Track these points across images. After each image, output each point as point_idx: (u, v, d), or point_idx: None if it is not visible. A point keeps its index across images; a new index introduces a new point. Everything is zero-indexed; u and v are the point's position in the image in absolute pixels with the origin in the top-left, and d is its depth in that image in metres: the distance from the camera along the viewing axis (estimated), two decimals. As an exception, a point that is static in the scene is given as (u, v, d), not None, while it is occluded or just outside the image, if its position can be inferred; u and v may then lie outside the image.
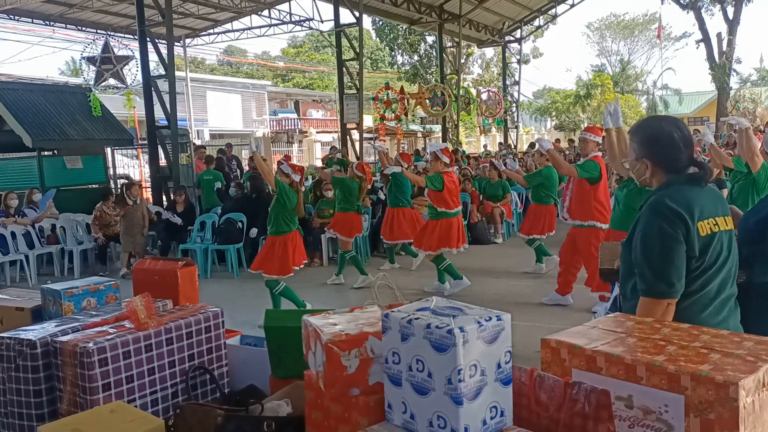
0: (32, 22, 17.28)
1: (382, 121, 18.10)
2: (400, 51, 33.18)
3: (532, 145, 21.36)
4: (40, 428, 1.41)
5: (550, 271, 7.92)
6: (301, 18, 18.98)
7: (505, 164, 9.17)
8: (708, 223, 2.03)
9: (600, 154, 6.19)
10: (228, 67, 41.42)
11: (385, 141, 22.45)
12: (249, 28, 20.30)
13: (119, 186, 9.81)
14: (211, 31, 20.56)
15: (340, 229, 8.11)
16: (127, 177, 11.25)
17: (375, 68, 39.43)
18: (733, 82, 27.89)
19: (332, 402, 1.30)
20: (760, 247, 2.28)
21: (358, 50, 16.11)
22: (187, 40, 20.88)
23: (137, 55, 12.83)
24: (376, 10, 19.45)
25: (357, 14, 15.82)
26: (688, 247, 2.00)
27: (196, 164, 12.16)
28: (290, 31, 22.68)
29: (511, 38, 24.55)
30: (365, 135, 18.50)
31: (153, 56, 12.59)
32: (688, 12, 25.40)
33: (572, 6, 22.73)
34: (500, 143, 24.21)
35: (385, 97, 17.67)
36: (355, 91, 16.22)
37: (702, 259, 2.02)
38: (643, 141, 2.17)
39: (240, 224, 9.34)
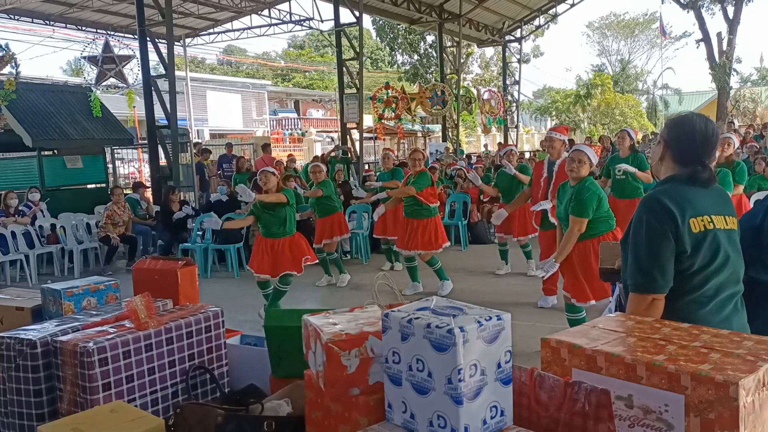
0: (32, 22, 17.29)
1: (381, 121, 18.09)
2: (400, 51, 33.19)
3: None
4: (40, 428, 1.41)
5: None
6: (301, 18, 18.99)
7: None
8: (702, 220, 2.03)
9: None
10: (228, 67, 41.39)
11: (385, 140, 22.46)
12: (249, 28, 20.29)
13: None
14: (211, 30, 20.55)
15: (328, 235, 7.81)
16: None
17: (375, 68, 39.43)
18: (734, 81, 27.81)
19: (332, 401, 1.30)
20: (756, 251, 2.29)
21: (358, 50, 16.09)
22: (187, 40, 20.89)
23: (137, 54, 12.83)
24: (376, 10, 19.44)
25: (357, 14, 15.80)
26: (678, 243, 2.00)
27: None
28: (290, 31, 22.70)
29: (512, 38, 24.52)
30: (366, 135, 18.47)
31: (153, 56, 12.60)
32: (688, 11, 25.33)
33: (572, 5, 22.71)
34: (500, 143, 24.20)
35: (385, 96, 17.66)
36: (355, 91, 16.20)
37: (695, 256, 2.01)
38: (668, 124, 2.26)
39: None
